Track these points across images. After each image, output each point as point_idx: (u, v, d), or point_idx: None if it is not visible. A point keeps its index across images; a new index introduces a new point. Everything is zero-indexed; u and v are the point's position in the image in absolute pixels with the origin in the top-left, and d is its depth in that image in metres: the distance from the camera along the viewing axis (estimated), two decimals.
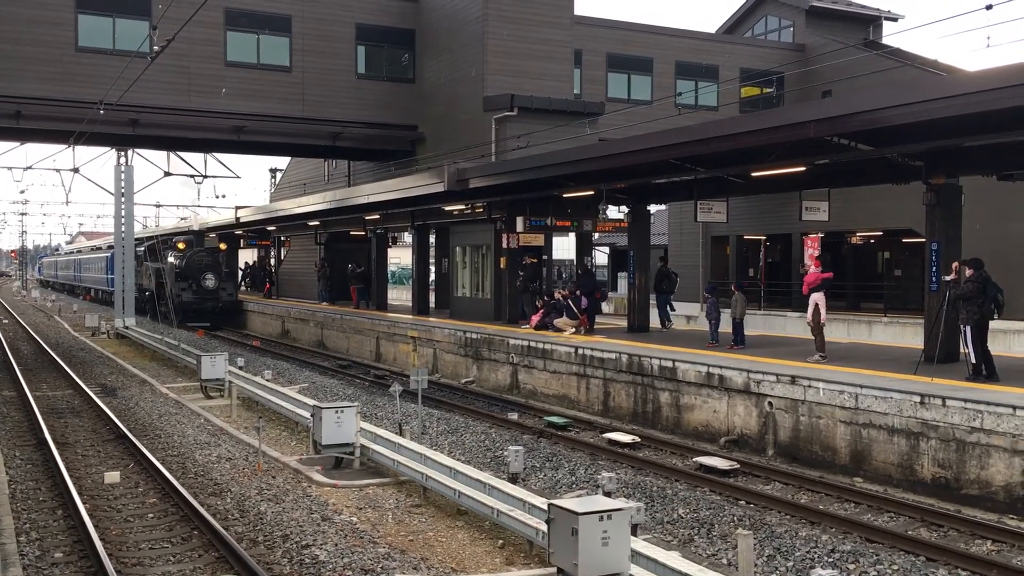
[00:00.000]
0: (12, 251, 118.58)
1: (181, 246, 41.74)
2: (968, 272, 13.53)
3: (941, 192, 15.36)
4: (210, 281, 39.51)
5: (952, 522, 10.74)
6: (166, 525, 10.73)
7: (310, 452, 14.21)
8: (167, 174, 40.45)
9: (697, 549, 10.15)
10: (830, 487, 12.34)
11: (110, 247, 50.99)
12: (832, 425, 13.28)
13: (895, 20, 40.03)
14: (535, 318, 22.92)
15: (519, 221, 23.94)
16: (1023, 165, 15.28)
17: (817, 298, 16.52)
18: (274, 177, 52.69)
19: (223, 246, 44.30)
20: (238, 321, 41.12)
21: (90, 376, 24.05)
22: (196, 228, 45.90)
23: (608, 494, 10.50)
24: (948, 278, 13.90)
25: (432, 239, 33.74)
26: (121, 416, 17.54)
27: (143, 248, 44.36)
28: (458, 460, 12.64)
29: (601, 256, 49.61)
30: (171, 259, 40.38)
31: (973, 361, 13.30)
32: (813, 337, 16.71)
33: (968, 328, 13.40)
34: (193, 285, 39.36)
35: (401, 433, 14.34)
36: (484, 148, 26.52)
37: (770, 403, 14.27)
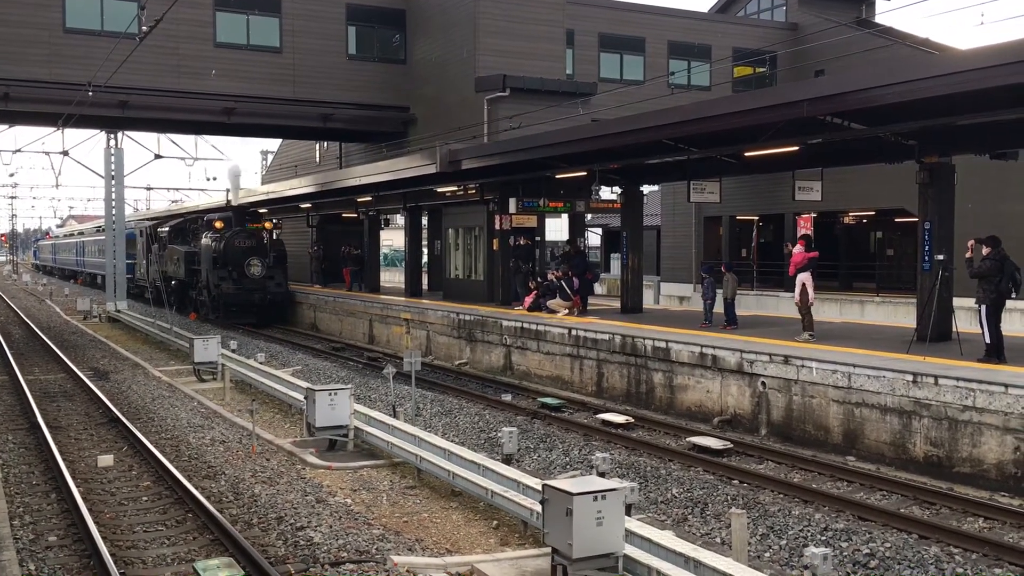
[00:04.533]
0: (2, 235, 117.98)
1: (219, 225, 33.81)
2: (985, 250, 13.21)
3: (934, 171, 15.34)
4: (256, 268, 32.46)
5: (944, 500, 10.80)
6: (160, 508, 10.72)
7: (304, 435, 14.20)
8: (158, 156, 40.16)
9: (691, 528, 10.19)
10: (823, 466, 12.38)
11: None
12: (825, 404, 13.32)
13: None
14: (528, 300, 22.90)
15: (512, 202, 23.89)
16: (1016, 144, 15.28)
17: (804, 278, 16.52)
18: (265, 159, 52.47)
19: (269, 224, 36.33)
20: (289, 317, 34.14)
21: (82, 360, 23.98)
22: (234, 203, 36.54)
23: (602, 474, 10.53)
24: (966, 256, 13.64)
25: (425, 221, 33.65)
26: (114, 399, 17.50)
27: (167, 229, 39.11)
28: (452, 442, 12.65)
29: (594, 237, 49.54)
30: (206, 240, 33.72)
31: (988, 341, 13.08)
32: (801, 317, 16.75)
33: (984, 307, 13.13)
34: (234, 273, 32.32)
35: (395, 415, 14.34)
36: (476, 129, 26.41)
37: (763, 383, 14.29)
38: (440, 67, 29.83)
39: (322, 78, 30.22)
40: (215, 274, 32.51)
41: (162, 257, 38.65)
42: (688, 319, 20.38)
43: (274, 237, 35.85)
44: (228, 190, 41.76)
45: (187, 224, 38.23)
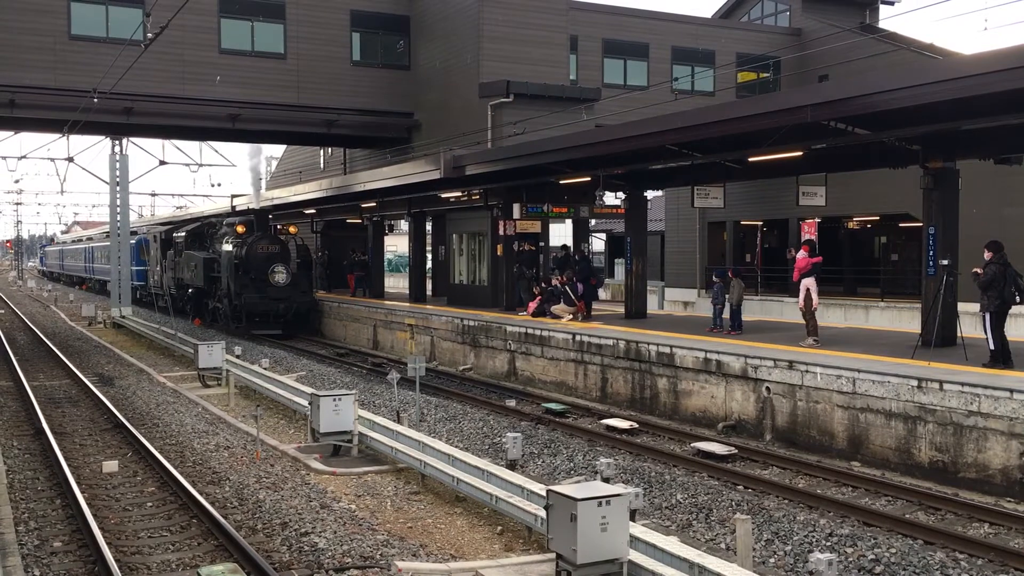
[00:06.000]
0: (7, 241, 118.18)
1: (241, 229, 31.74)
2: (987, 255, 13.05)
3: (938, 176, 15.32)
4: (280, 275, 30.48)
5: (950, 505, 10.77)
6: (165, 514, 10.72)
7: (308, 440, 14.22)
8: (162, 163, 40.29)
9: (696, 534, 10.17)
10: (828, 471, 12.36)
11: (133, 232, 42.35)
12: (830, 410, 13.30)
13: (891, 3, 39.97)
14: (532, 305, 22.91)
15: (516, 208, 23.92)
16: (1021, 148, 15.25)
17: (808, 283, 16.50)
18: (270, 165, 52.53)
19: (294, 229, 34.80)
20: (315, 327, 32.32)
21: (87, 365, 24.02)
22: (256, 207, 34.16)
23: (606, 480, 10.52)
24: (973, 270, 13.50)
25: (429, 226, 33.69)
26: (119, 405, 17.52)
27: (183, 234, 37.39)
28: (456, 447, 12.65)
29: (598, 242, 49.54)
30: (227, 246, 31.59)
31: (992, 347, 13.01)
32: (805, 322, 16.73)
33: (988, 315, 13.01)
34: (257, 281, 30.31)
35: (399, 420, 14.35)
36: (480, 135, 26.46)
37: (768, 388, 14.28)
38: (444, 73, 29.90)
39: (326, 84, 30.28)
40: (237, 282, 30.55)
41: (178, 264, 37.16)
42: (693, 324, 20.37)
43: (299, 242, 34.65)
44: (232, 195, 41.81)
45: (205, 229, 36.71)
